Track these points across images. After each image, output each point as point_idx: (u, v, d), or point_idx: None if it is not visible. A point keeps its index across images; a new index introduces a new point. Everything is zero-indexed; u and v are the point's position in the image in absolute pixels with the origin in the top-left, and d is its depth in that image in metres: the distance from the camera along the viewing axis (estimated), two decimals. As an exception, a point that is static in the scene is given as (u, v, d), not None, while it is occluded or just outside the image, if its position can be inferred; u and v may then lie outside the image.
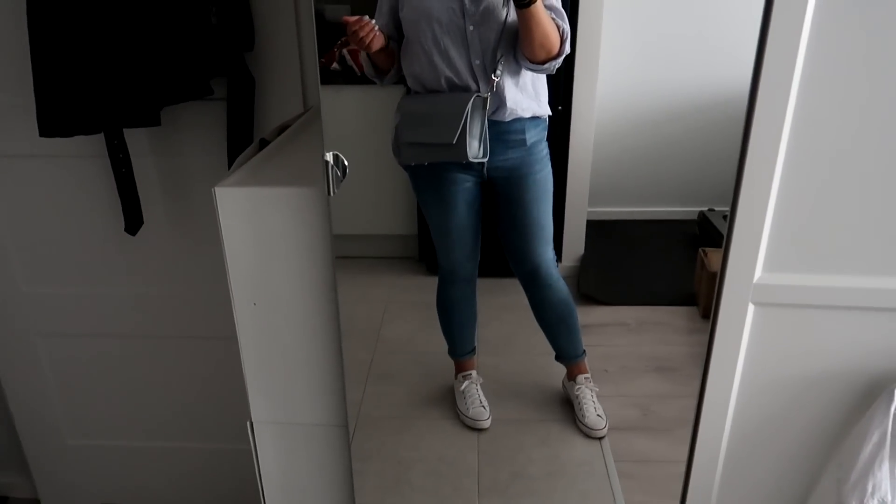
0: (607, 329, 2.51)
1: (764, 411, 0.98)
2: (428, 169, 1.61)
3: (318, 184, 0.90)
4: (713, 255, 2.51)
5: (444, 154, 1.48)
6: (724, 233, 0.89)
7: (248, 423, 1.09)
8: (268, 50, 1.35)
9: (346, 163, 0.88)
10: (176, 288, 1.55)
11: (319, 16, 3.23)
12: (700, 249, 2.50)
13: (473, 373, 1.98)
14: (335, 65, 2.57)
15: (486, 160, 1.50)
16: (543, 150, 1.63)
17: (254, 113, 1.37)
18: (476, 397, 1.94)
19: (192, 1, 1.23)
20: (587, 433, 1.85)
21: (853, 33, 0.79)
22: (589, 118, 2.63)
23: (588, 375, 1.95)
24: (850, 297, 0.89)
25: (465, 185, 1.59)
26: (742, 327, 0.91)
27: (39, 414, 1.74)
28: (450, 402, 1.99)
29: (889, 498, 0.92)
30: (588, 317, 2.53)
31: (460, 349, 1.98)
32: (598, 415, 1.87)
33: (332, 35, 2.61)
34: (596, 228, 2.90)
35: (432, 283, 2.31)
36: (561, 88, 2.24)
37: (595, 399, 1.91)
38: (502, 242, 1.71)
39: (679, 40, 2.84)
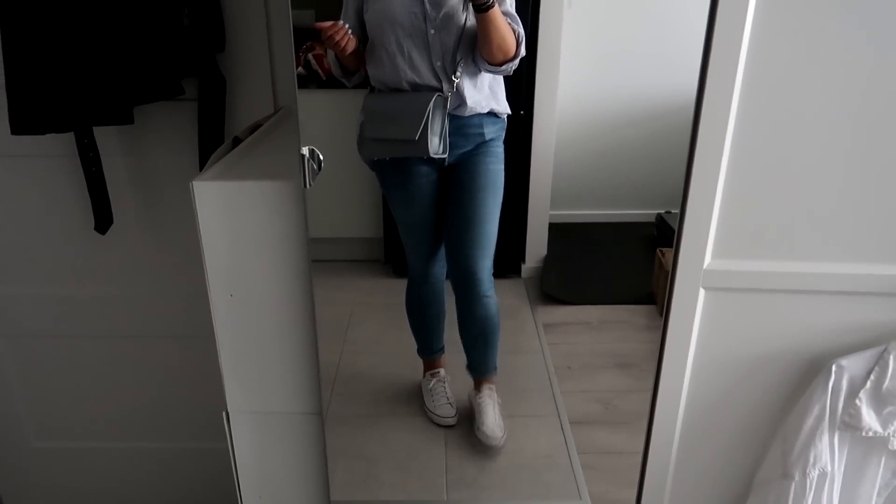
0: (569, 328, 2.58)
1: (715, 390, 1.05)
2: (392, 164, 1.66)
3: (294, 177, 0.93)
4: (669, 255, 2.61)
5: (406, 150, 1.55)
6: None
7: (224, 413, 1.11)
8: (239, 51, 1.37)
9: (321, 157, 0.92)
10: (144, 287, 1.56)
11: (284, 21, 3.21)
12: (658, 250, 2.60)
13: (441, 371, 2.02)
14: (300, 69, 2.60)
15: (445, 155, 1.57)
16: (499, 148, 1.69)
17: (225, 113, 1.39)
18: (444, 395, 1.98)
19: (165, 2, 1.25)
20: (484, 441, 1.86)
21: (789, 41, 0.87)
22: (550, 124, 2.71)
23: (492, 387, 1.96)
24: (791, 281, 0.96)
25: (430, 178, 1.66)
26: (694, 311, 0.98)
27: (3, 416, 1.72)
28: (417, 399, 2.02)
29: (829, 467, 0.99)
30: (550, 316, 2.60)
31: (428, 348, 2.02)
32: (497, 425, 1.87)
33: (297, 39, 2.64)
34: (558, 231, 2.98)
35: (398, 285, 2.34)
36: (523, 94, 2.31)
37: (497, 410, 1.91)
38: (444, 238, 1.75)
39: (636, 49, 2.95)
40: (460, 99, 1.56)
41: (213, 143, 1.35)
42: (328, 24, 1.48)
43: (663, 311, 1.01)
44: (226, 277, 1.01)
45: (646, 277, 2.69)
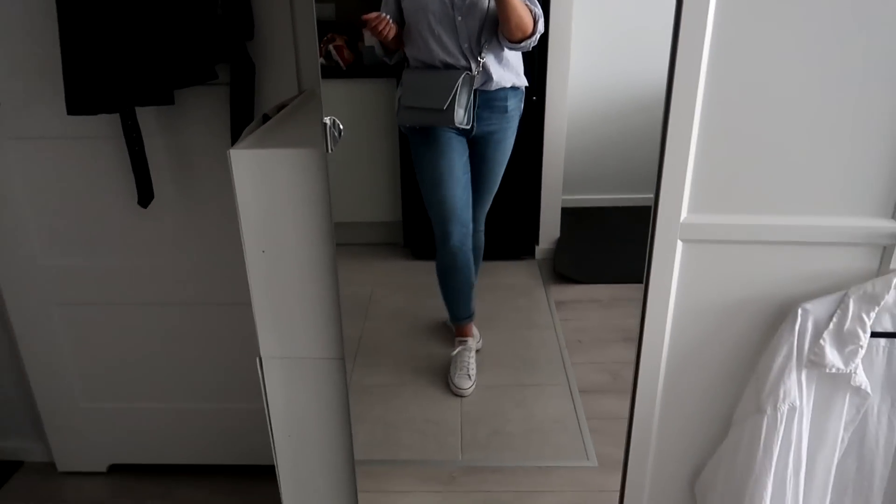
0: (580, 305, 2.66)
1: (695, 336, 1.15)
2: (423, 132, 1.88)
3: (318, 146, 1.06)
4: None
5: (435, 118, 1.77)
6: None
7: (258, 359, 1.25)
8: (266, 38, 1.51)
9: (341, 126, 1.04)
10: (183, 258, 1.69)
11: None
12: (666, 230, 2.67)
13: (470, 340, 2.15)
14: (322, 59, 2.72)
15: (468, 127, 1.80)
16: (517, 119, 1.96)
17: (254, 96, 1.53)
18: (465, 365, 2.09)
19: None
20: (454, 391, 2.05)
21: (754, 10, 0.97)
22: (561, 109, 2.79)
23: (466, 340, 2.14)
24: (761, 233, 1.06)
25: (456, 147, 1.89)
26: (672, 262, 1.09)
27: (55, 379, 1.85)
28: (437, 371, 2.12)
29: (798, 402, 1.10)
30: (563, 294, 2.69)
31: (456, 314, 2.17)
32: (467, 374, 2.06)
33: (319, 31, 2.75)
34: (571, 215, 3.06)
35: (417, 267, 2.46)
36: (534, 80, 2.41)
37: (472, 361, 2.09)
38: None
39: (646, 34, 3.00)
40: (486, 75, 1.78)
41: (244, 123, 1.49)
42: (373, 15, 1.68)
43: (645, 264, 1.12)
44: (258, 235, 1.14)
45: (654, 258, 2.76)
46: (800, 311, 1.07)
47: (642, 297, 1.13)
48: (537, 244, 2.89)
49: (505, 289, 2.66)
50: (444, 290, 2.13)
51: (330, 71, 2.61)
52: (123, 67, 1.34)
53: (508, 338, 2.36)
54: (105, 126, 1.53)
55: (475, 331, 2.17)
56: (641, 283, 2.83)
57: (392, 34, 1.71)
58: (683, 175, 1.02)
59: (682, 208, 1.05)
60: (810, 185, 1.04)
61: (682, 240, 1.07)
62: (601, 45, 3.00)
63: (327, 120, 1.02)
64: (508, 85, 1.87)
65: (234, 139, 1.49)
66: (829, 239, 1.06)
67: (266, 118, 1.30)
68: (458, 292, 2.12)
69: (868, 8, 0.94)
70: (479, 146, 1.94)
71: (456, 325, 2.17)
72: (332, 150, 1.04)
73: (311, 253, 1.13)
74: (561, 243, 2.92)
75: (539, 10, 1.74)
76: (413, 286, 2.59)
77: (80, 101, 1.35)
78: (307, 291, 1.16)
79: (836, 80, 0.99)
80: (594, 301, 2.74)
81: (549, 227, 2.93)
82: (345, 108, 2.37)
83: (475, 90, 1.79)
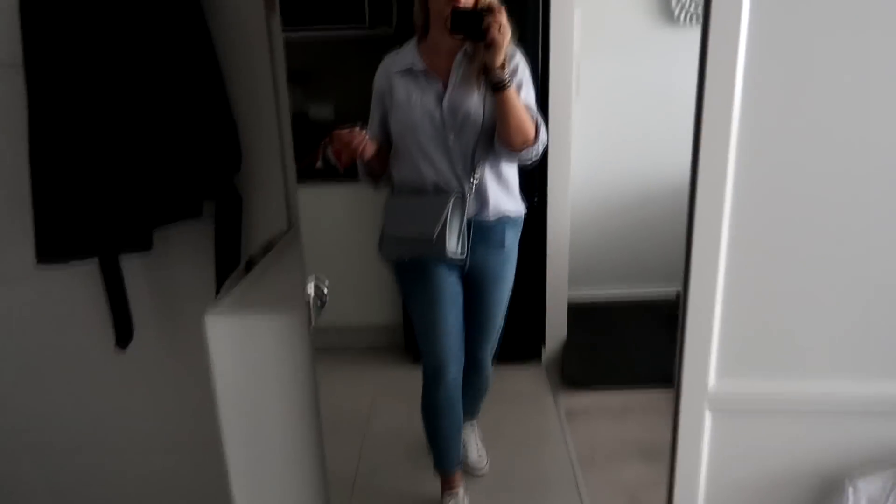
0: (592, 415, 2.53)
1: (731, 512, 1.02)
2: (412, 265, 1.70)
3: (301, 308, 0.96)
4: (691, 337, 2.57)
5: (424, 249, 1.59)
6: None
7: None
8: (254, 170, 1.44)
9: (325, 290, 0.94)
10: (162, 403, 1.58)
11: (304, 115, 3.37)
12: (679, 333, 2.56)
13: (460, 491, 1.93)
14: (319, 163, 2.67)
15: (463, 257, 1.61)
16: (515, 253, 1.77)
17: (241, 231, 1.44)
18: None
19: (186, 128, 1.32)
20: (469, 472, 1.96)
21: (780, 151, 0.88)
22: (564, 208, 2.74)
23: (474, 422, 2.08)
24: (801, 402, 0.95)
25: (449, 279, 1.69)
26: (701, 434, 0.97)
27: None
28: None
29: None
30: (573, 402, 2.56)
31: (446, 460, 1.94)
32: (478, 455, 2.01)
33: (316, 133, 2.73)
34: (577, 312, 2.96)
35: (419, 373, 2.34)
36: (536, 181, 2.36)
37: (479, 441, 2.04)
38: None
39: (647, 131, 2.99)
40: (481, 199, 1.61)
41: (231, 261, 1.40)
42: (345, 130, 1.57)
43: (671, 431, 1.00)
44: (236, 404, 1.03)
45: (668, 358, 2.64)
46: (850, 488, 0.94)
47: (668, 472, 1.00)
48: (544, 346, 2.78)
49: (511, 397, 2.54)
50: (431, 434, 1.93)
51: (328, 175, 2.57)
52: (98, 210, 1.26)
53: (515, 455, 2.21)
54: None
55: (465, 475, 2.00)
56: (654, 388, 2.65)
57: (369, 152, 1.56)
58: (709, 334, 0.91)
59: (709, 373, 0.94)
60: (858, 346, 0.93)
61: (711, 410, 0.96)
62: (603, 143, 2.98)
63: (310, 288, 0.91)
64: (505, 212, 1.68)
65: (219, 280, 1.40)
66: (881, 408, 0.94)
67: (250, 264, 1.20)
68: (447, 438, 1.92)
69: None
70: (475, 282, 1.75)
71: (442, 474, 1.94)
72: (314, 322, 0.94)
73: (294, 430, 1.01)
74: (569, 344, 2.81)
75: (540, 119, 1.59)
76: (416, 394, 2.47)
77: (51, 246, 1.26)
78: (290, 468, 1.04)
79: (880, 228, 0.89)
80: (607, 410, 2.61)
81: (556, 327, 2.83)
82: (344, 211, 2.30)
83: (469, 221, 1.61)
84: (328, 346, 3.02)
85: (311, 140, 2.69)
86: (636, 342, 2.91)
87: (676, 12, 2.82)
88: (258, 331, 0.97)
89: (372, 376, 2.65)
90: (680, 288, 3.19)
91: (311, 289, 0.92)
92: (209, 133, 1.36)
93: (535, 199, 2.44)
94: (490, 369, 1.91)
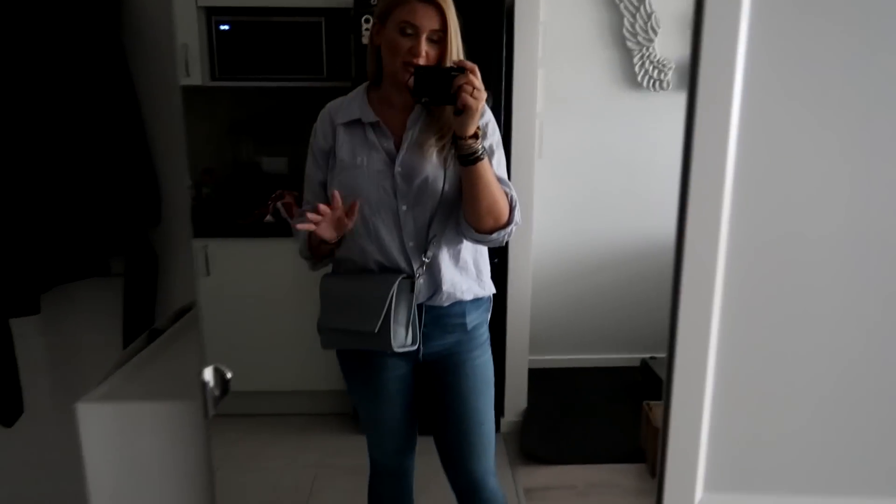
0: (553, 493, 2.37)
1: None
2: (356, 355, 1.41)
3: (195, 397, 0.79)
4: (657, 410, 2.44)
5: (367, 342, 1.30)
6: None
7: None
8: (172, 224, 1.27)
9: (227, 377, 0.77)
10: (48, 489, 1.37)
11: (256, 167, 3.19)
12: (644, 403, 2.43)
13: None
14: (269, 217, 2.53)
15: (414, 348, 1.33)
16: (484, 335, 1.43)
17: (156, 290, 1.27)
18: None
19: (97, 173, 1.16)
20: None
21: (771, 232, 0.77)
22: (525, 270, 2.63)
23: None
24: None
25: (397, 372, 1.40)
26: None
27: None
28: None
29: None
30: (533, 479, 2.40)
31: None
32: None
33: (268, 186, 2.61)
34: (538, 378, 2.83)
35: (364, 442, 2.13)
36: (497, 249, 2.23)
37: None
38: (437, 446, 1.48)
39: (608, 194, 2.94)
40: (434, 283, 1.32)
41: (142, 322, 1.23)
42: (317, 217, 1.20)
43: (655, 474, 0.84)
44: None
45: (633, 432, 2.51)
46: None
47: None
48: (503, 416, 2.63)
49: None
50: None
51: (277, 229, 2.42)
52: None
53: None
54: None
55: None
56: (618, 462, 2.46)
57: (334, 235, 1.24)
58: (697, 442, 0.77)
59: (696, 487, 0.79)
60: (868, 458, 0.80)
61: (697, 527, 0.80)
62: (564, 204, 2.91)
63: (208, 374, 0.74)
64: (468, 297, 1.36)
65: (127, 342, 1.21)
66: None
67: (154, 334, 1.03)
68: None
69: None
70: (439, 375, 1.42)
71: None
72: (212, 412, 0.76)
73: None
74: (529, 414, 2.67)
75: (514, 195, 1.30)
76: (363, 468, 2.27)
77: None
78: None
79: (881, 324, 0.78)
80: (569, 488, 2.45)
81: (516, 396, 2.70)
82: (291, 268, 2.13)
83: (420, 305, 1.32)
84: (270, 412, 2.79)
85: (263, 193, 2.56)
86: (600, 411, 2.77)
87: (640, 77, 2.81)
88: (140, 421, 0.79)
89: (316, 446, 2.47)
90: (645, 355, 3.04)
91: (208, 374, 0.74)
92: (124, 179, 1.21)
93: (496, 260, 2.31)
94: (495, 491, 1.48)
